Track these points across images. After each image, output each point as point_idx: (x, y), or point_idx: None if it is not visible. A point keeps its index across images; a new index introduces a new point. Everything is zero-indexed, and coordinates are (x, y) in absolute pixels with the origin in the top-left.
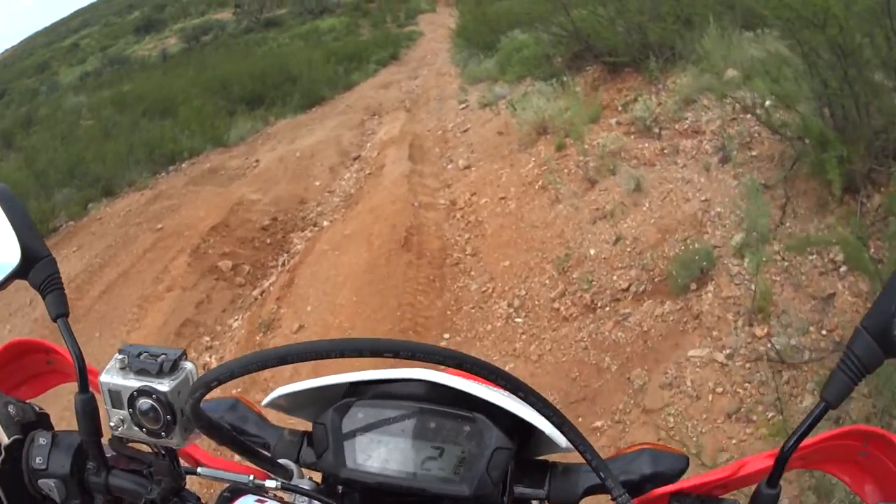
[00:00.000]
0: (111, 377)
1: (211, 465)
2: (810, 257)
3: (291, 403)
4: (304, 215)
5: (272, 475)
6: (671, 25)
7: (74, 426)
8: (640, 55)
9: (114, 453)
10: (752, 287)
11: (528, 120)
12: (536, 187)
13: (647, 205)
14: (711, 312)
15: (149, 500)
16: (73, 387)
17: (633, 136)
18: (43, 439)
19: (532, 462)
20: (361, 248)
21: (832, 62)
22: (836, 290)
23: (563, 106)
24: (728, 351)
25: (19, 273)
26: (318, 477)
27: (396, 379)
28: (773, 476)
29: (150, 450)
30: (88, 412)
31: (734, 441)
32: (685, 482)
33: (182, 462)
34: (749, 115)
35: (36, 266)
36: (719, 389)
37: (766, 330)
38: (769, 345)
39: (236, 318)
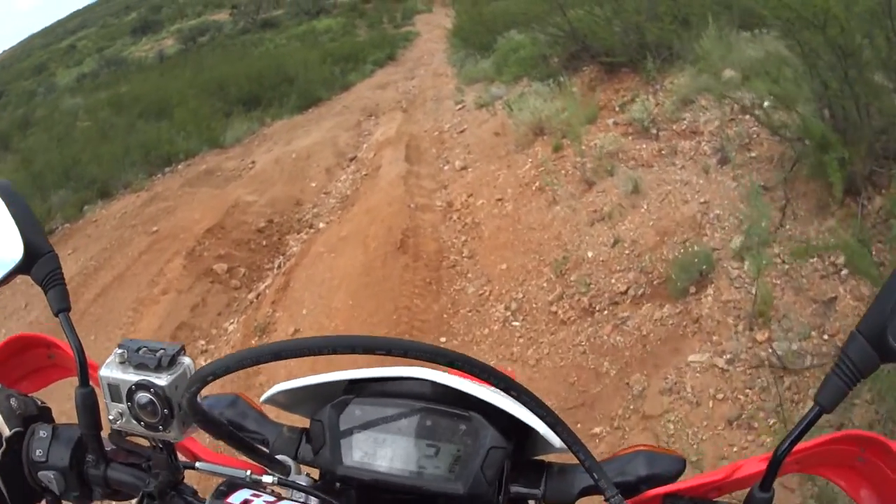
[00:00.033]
0: (111, 371)
1: (209, 460)
2: (811, 260)
3: (290, 400)
4: (300, 217)
5: (269, 471)
6: (668, 25)
7: (73, 423)
8: (638, 55)
9: (113, 447)
10: (753, 291)
11: (524, 121)
12: (533, 189)
13: (646, 206)
14: (711, 316)
15: (146, 493)
16: (72, 383)
17: (630, 137)
18: (43, 432)
19: (528, 462)
20: (357, 250)
21: (832, 63)
22: (837, 293)
23: (559, 106)
24: (728, 356)
25: (22, 268)
26: (315, 474)
27: (394, 377)
28: (767, 479)
29: (148, 444)
30: (88, 406)
31: (735, 448)
32: (679, 484)
33: (181, 457)
34: (748, 116)
35: (38, 261)
36: (720, 395)
37: (766, 335)
38: (770, 350)
39: (232, 321)
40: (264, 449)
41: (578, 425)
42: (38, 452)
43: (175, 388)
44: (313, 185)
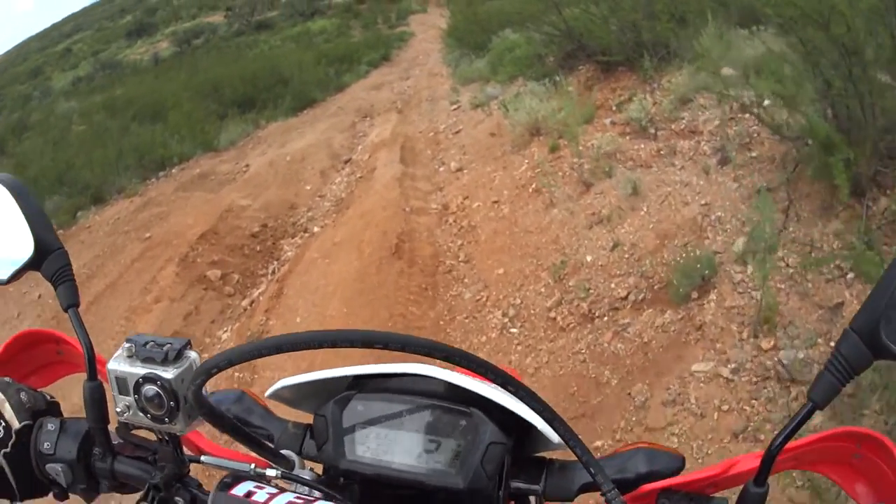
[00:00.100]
0: (118, 364)
1: (214, 453)
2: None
3: (294, 395)
4: (295, 221)
5: (273, 465)
6: (665, 24)
7: (80, 416)
8: (634, 54)
9: (119, 441)
10: (757, 296)
11: (520, 121)
12: (530, 190)
13: (645, 209)
14: (715, 323)
15: (152, 485)
16: (78, 379)
17: (628, 137)
18: (51, 425)
19: (529, 458)
20: (352, 255)
21: (835, 61)
22: (843, 298)
23: (556, 106)
24: (733, 365)
25: (33, 264)
26: (319, 469)
27: (397, 373)
28: (761, 475)
29: (154, 438)
30: (96, 399)
31: None
32: (675, 479)
33: (186, 451)
34: (748, 115)
35: (49, 258)
36: (725, 407)
37: (772, 342)
38: (776, 359)
39: (225, 329)
40: (268, 443)
41: (579, 437)
42: (46, 445)
43: (181, 381)
44: (308, 188)
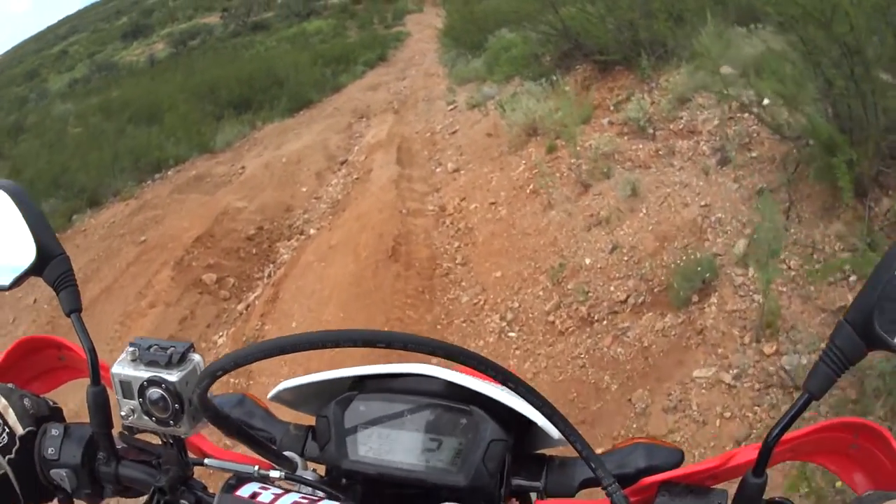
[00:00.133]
0: (123, 368)
1: (218, 456)
2: (817, 266)
3: (296, 398)
4: (291, 223)
5: (277, 466)
6: (663, 22)
7: (84, 421)
8: (632, 53)
9: (123, 445)
10: (759, 300)
11: (517, 121)
12: (527, 191)
13: (644, 210)
14: (716, 327)
15: (157, 488)
16: (80, 385)
17: (626, 137)
18: (55, 430)
19: (530, 456)
20: (348, 258)
21: (837, 60)
22: (846, 301)
23: (553, 106)
24: (735, 371)
25: (34, 270)
26: (321, 470)
27: (398, 374)
28: (759, 465)
29: (158, 441)
30: (100, 404)
31: None
32: (675, 472)
33: (189, 454)
34: (747, 115)
35: (51, 263)
36: (727, 414)
37: (774, 347)
38: (779, 364)
39: (221, 334)
40: (271, 445)
41: (579, 433)
42: (50, 451)
43: (185, 383)
44: (304, 189)
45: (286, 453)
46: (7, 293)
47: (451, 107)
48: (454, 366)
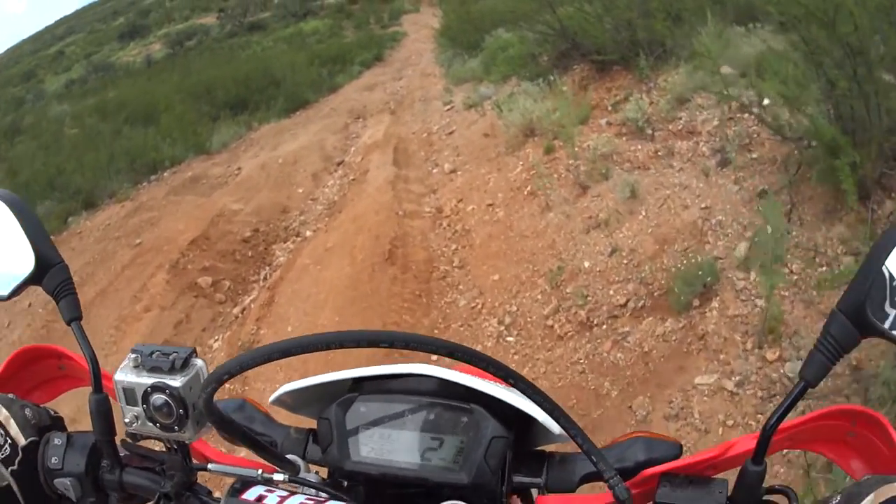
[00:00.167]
0: (125, 375)
1: (220, 461)
2: (820, 269)
3: (296, 401)
4: (287, 225)
5: (280, 469)
6: (661, 22)
7: (86, 430)
8: (630, 53)
9: (126, 453)
10: (761, 304)
11: (514, 121)
12: (525, 193)
13: (644, 213)
14: (717, 333)
15: (163, 494)
16: (78, 394)
17: (624, 138)
18: (58, 440)
19: (530, 452)
20: (344, 261)
21: (840, 61)
22: None
23: (550, 106)
24: (738, 378)
25: (34, 279)
26: (323, 473)
27: (397, 374)
28: (758, 454)
29: (161, 448)
30: (103, 412)
31: None
32: (675, 463)
33: (193, 460)
34: (747, 115)
35: (50, 272)
36: (730, 422)
37: (777, 353)
38: (782, 371)
39: (216, 338)
40: (274, 449)
41: (580, 427)
42: (53, 460)
43: (189, 388)
44: (300, 191)
45: (288, 456)
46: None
47: (448, 107)
48: (453, 364)
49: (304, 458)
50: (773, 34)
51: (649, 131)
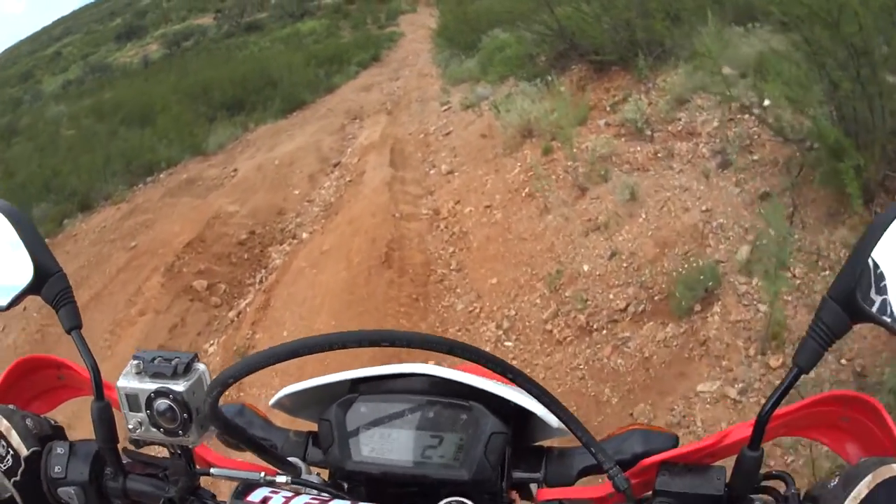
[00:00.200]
0: (128, 382)
1: (222, 465)
2: (823, 273)
3: (295, 404)
4: (283, 227)
5: (282, 471)
6: (660, 22)
7: (88, 438)
8: (628, 53)
9: (128, 460)
10: (763, 309)
11: (512, 122)
12: (523, 195)
13: (644, 215)
14: (720, 338)
15: (167, 500)
16: (76, 403)
17: (623, 139)
18: (61, 449)
19: (529, 448)
20: (340, 265)
21: (843, 62)
22: None
23: (548, 107)
24: (741, 385)
25: (33, 289)
26: (324, 475)
27: (395, 374)
28: (754, 439)
29: (163, 454)
30: (105, 420)
31: None
32: (674, 452)
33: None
34: (747, 116)
35: (48, 281)
36: None
37: (780, 360)
38: None
39: (212, 342)
40: (276, 451)
41: (578, 419)
42: (56, 469)
43: (192, 393)
44: (296, 192)
45: (290, 459)
46: None
47: (445, 108)
48: (451, 363)
49: (304, 460)
50: (772, 34)
51: (648, 132)
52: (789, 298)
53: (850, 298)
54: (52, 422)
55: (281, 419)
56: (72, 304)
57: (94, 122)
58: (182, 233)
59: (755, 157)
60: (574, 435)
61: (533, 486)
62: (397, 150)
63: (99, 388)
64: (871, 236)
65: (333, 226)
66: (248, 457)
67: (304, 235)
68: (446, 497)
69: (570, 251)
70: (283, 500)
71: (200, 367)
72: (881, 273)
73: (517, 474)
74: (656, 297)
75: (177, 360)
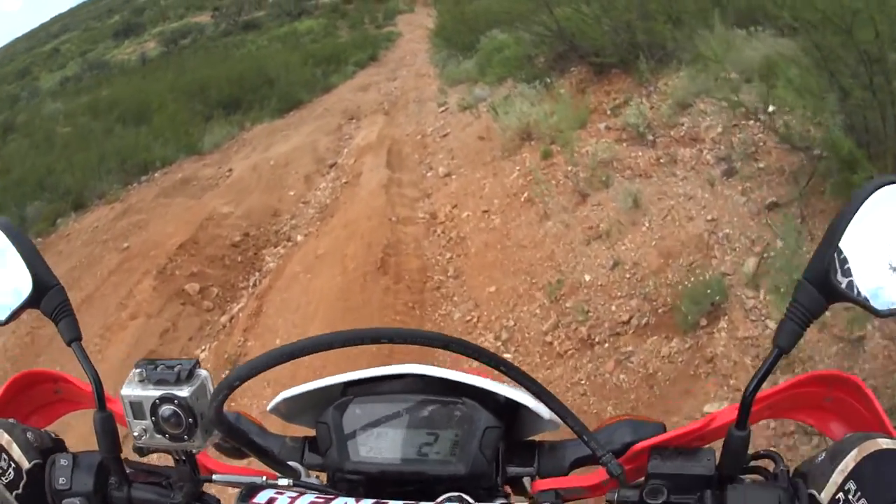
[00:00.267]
0: (132, 389)
1: (223, 471)
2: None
3: (291, 409)
4: (278, 229)
5: (282, 475)
6: (661, 24)
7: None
8: (629, 55)
9: (131, 469)
10: (772, 325)
11: (510, 125)
12: (522, 200)
13: (647, 224)
14: (727, 355)
15: None
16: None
17: (625, 144)
18: (64, 460)
19: (521, 443)
20: (335, 270)
21: (855, 69)
22: (865, 331)
23: (547, 110)
24: None
25: (32, 302)
26: (323, 478)
27: (389, 375)
28: (741, 419)
29: (168, 462)
30: (108, 430)
31: None
32: (662, 437)
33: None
34: (752, 122)
35: (47, 294)
36: None
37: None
38: None
39: (203, 348)
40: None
41: (571, 410)
42: (61, 481)
43: (196, 398)
44: (291, 193)
45: (290, 463)
46: None
47: (443, 109)
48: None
49: (302, 464)
50: (774, 38)
51: (650, 137)
52: None
53: (824, 280)
54: (53, 435)
55: (274, 427)
56: (71, 317)
57: (90, 119)
58: (175, 234)
59: (761, 165)
60: (566, 424)
61: (526, 481)
62: (394, 151)
63: (101, 398)
64: (842, 221)
65: (329, 229)
66: (249, 462)
67: (299, 238)
68: (444, 493)
69: (571, 260)
70: (289, 500)
71: (203, 373)
72: (850, 255)
73: (511, 469)
74: (660, 310)
75: (179, 366)
